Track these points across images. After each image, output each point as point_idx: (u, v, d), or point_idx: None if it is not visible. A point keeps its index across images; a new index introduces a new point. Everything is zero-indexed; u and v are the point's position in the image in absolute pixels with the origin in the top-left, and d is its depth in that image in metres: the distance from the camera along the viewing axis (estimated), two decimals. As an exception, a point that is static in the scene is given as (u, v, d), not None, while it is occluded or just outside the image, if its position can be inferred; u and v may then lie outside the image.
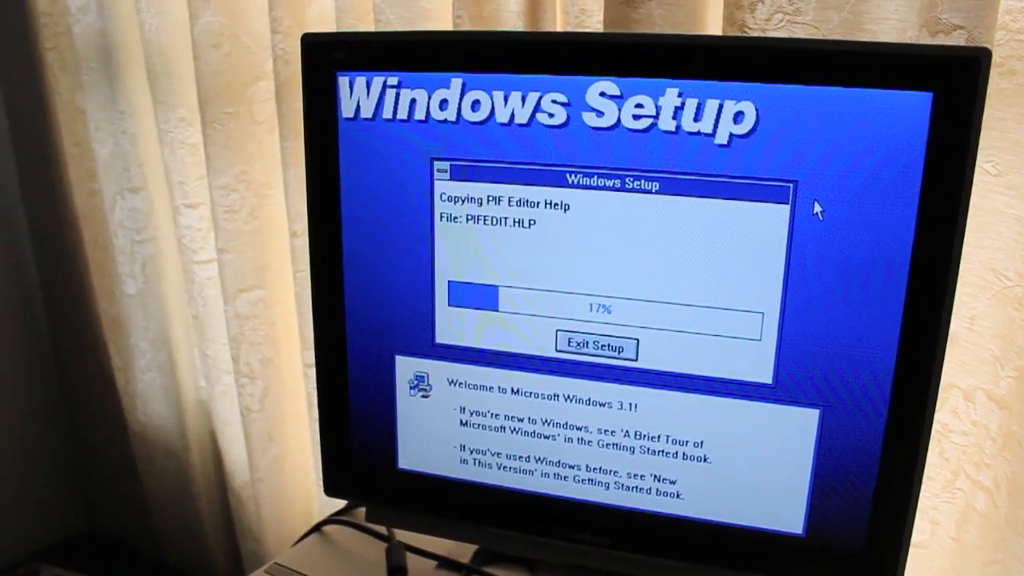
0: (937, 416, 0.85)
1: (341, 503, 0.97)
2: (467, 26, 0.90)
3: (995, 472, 0.82)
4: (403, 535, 0.87)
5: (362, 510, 0.94)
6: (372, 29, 1.00)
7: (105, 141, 1.43)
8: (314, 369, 1.20)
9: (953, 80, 0.56)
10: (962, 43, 0.68)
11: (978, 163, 0.76)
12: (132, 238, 1.47)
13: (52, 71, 1.43)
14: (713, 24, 0.82)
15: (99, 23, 1.35)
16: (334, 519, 0.95)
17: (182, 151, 1.32)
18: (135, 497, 1.74)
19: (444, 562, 0.85)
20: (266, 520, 1.40)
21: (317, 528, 0.95)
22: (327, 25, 1.10)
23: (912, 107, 0.57)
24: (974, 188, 0.77)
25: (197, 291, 1.38)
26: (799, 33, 0.74)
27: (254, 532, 1.47)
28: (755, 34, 0.75)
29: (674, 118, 0.61)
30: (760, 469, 0.67)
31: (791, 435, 0.65)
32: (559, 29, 0.91)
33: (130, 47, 1.35)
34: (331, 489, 0.80)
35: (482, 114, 0.65)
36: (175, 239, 1.40)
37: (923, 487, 0.87)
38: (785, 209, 0.60)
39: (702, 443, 0.67)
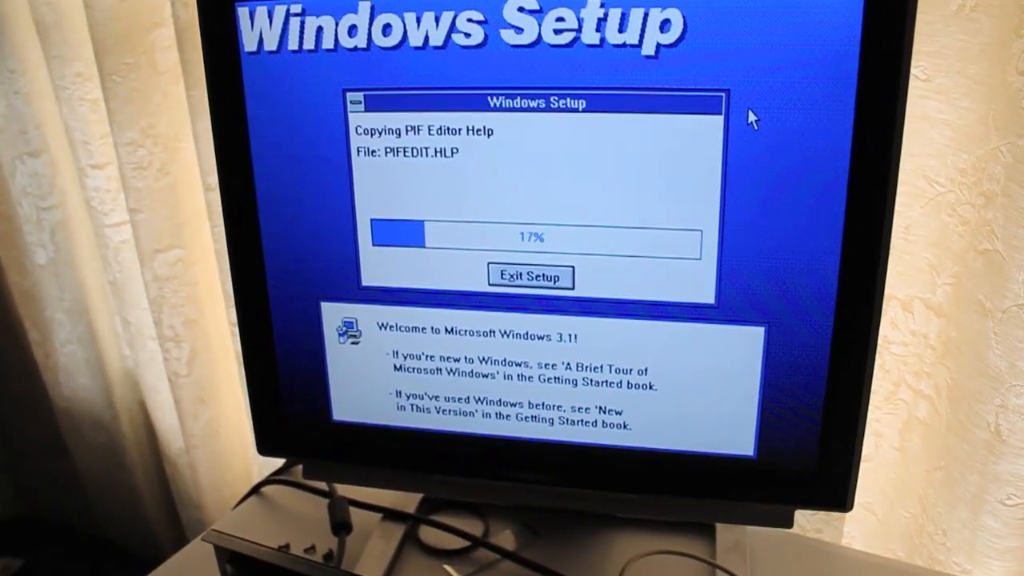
0: (877, 328, 0.85)
1: (280, 463, 0.93)
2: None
3: (936, 380, 0.82)
4: (345, 489, 0.84)
5: (301, 468, 0.91)
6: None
7: (-3, 103, 1.35)
8: (239, 325, 1.17)
9: (884, -24, 0.53)
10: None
11: (907, 68, 0.75)
12: (37, 205, 1.39)
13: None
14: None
15: (-22, -26, 1.26)
16: (272, 479, 0.92)
17: (82, 108, 1.24)
18: (67, 474, 1.68)
19: (389, 514, 0.82)
20: (204, 486, 1.36)
21: (255, 490, 0.92)
22: (226, -39, 1.03)
23: (843, 7, 0.54)
24: (905, 94, 0.76)
25: (112, 256, 1.32)
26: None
27: (193, 499, 1.43)
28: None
29: (598, 30, 0.57)
30: (707, 393, 0.65)
31: (737, 355, 0.63)
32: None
33: (14, -2, 1.27)
34: (265, 447, 0.76)
35: (394, 38, 0.61)
36: (84, 202, 1.34)
37: (866, 401, 0.87)
38: (719, 120, 0.58)
39: (646, 370, 0.65)
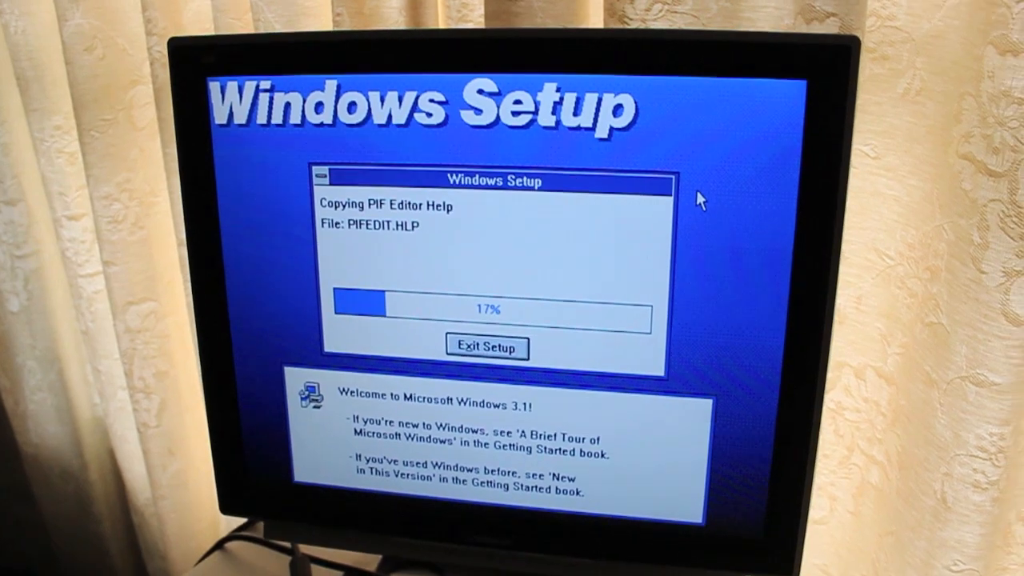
0: (830, 395, 0.87)
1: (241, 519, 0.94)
2: (347, 24, 0.88)
3: (887, 446, 0.84)
4: (308, 547, 0.85)
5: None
6: (251, 28, 0.97)
7: (-25, 153, 1.36)
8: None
9: (825, 68, 0.57)
10: (835, 30, 0.69)
11: (857, 146, 0.78)
12: (12, 253, 1.40)
13: (-90, 79, 1.35)
14: (595, 15, 0.81)
15: (-39, 28, 1.28)
16: (236, 535, 0.92)
17: (60, 160, 1.26)
18: (32, 522, 1.67)
19: (351, 572, 0.83)
20: (171, 537, 1.36)
21: (219, 545, 0.92)
22: (204, 25, 1.06)
23: (787, 95, 0.57)
24: (855, 171, 0.79)
25: (85, 306, 1.32)
26: (679, 23, 0.74)
27: (159, 550, 1.43)
28: (635, 25, 0.75)
29: (553, 113, 0.60)
30: (657, 461, 0.67)
31: (686, 425, 0.65)
32: (441, 24, 0.90)
33: (-4, 52, 1.29)
34: (227, 507, 0.77)
35: (359, 116, 0.63)
36: (59, 252, 1.34)
37: (820, 464, 0.89)
38: (669, 201, 0.60)
39: (598, 439, 0.67)
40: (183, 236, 1.11)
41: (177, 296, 1.22)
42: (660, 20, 0.74)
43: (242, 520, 0.95)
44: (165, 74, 1.04)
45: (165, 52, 1.02)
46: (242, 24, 0.99)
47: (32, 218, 1.37)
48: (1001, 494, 0.74)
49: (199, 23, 1.06)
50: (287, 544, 0.87)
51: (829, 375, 0.85)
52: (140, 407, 1.27)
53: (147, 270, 1.21)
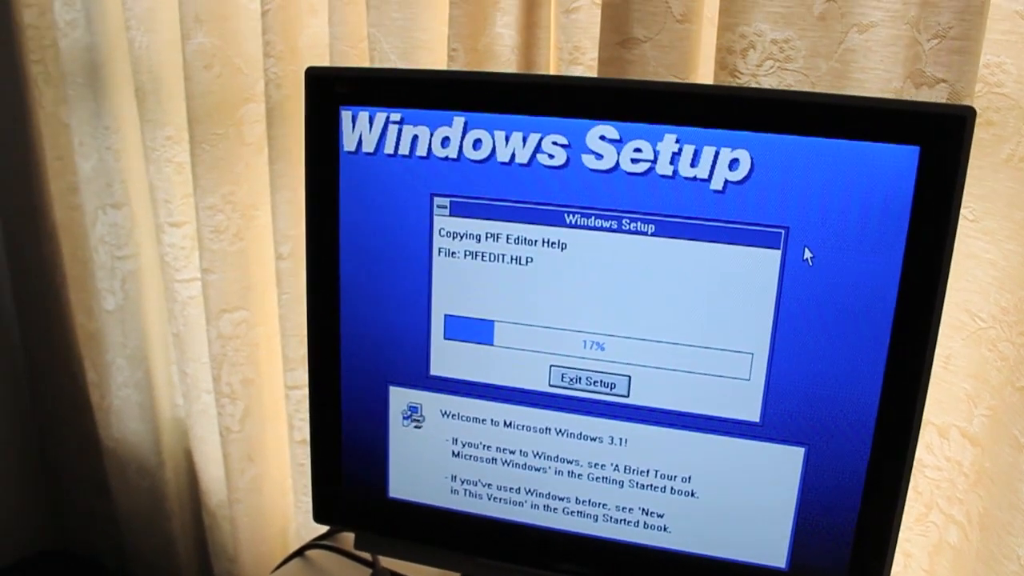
0: (912, 451, 0.87)
1: (318, 526, 0.97)
2: (462, 59, 0.92)
3: (967, 507, 0.84)
4: (388, 561, 0.88)
5: (344, 535, 0.94)
6: (365, 57, 1.02)
7: (89, 156, 1.43)
8: (296, 391, 1.22)
9: (939, 136, 0.58)
10: (944, 96, 0.71)
11: (957, 209, 0.79)
12: (113, 254, 1.47)
13: (36, 84, 1.43)
14: (705, 67, 0.84)
15: (87, 38, 1.35)
16: (318, 543, 0.95)
17: (168, 169, 1.32)
18: (106, 514, 1.72)
19: (428, 589, 0.86)
20: (242, 541, 1.39)
21: (300, 552, 0.95)
22: (320, 50, 1.11)
23: (900, 160, 0.59)
24: (952, 233, 0.80)
25: (179, 309, 1.38)
26: (789, 79, 0.76)
27: (229, 552, 1.47)
28: (745, 79, 0.77)
29: (671, 163, 0.63)
30: (746, 504, 0.68)
31: (777, 472, 0.67)
32: (552, 65, 0.93)
33: (117, 63, 1.35)
34: (320, 516, 0.80)
35: (483, 153, 0.66)
36: (157, 256, 1.40)
37: (897, 520, 0.89)
38: (776, 254, 0.62)
39: (690, 478, 0.69)
40: (280, 250, 1.16)
41: (270, 307, 1.27)
42: (770, 76, 0.77)
43: (317, 530, 0.98)
44: (279, 94, 1.10)
45: (280, 74, 1.08)
46: (356, 53, 1.04)
47: (135, 222, 1.43)
48: (1085, 565, 0.74)
49: (315, 49, 1.11)
50: (367, 556, 0.90)
51: (913, 432, 0.86)
52: (224, 411, 1.31)
53: (243, 280, 1.26)
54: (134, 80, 1.28)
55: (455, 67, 0.92)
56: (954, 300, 0.82)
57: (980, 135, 0.77)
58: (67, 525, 1.84)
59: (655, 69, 0.81)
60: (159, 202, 1.33)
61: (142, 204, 1.42)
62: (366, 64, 1.02)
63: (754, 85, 0.77)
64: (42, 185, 1.50)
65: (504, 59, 0.92)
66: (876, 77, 0.75)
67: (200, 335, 1.35)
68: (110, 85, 1.36)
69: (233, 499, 1.37)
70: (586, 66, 0.89)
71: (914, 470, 0.87)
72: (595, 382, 0.68)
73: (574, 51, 0.89)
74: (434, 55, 0.97)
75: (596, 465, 0.71)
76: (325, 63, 1.08)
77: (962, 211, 0.80)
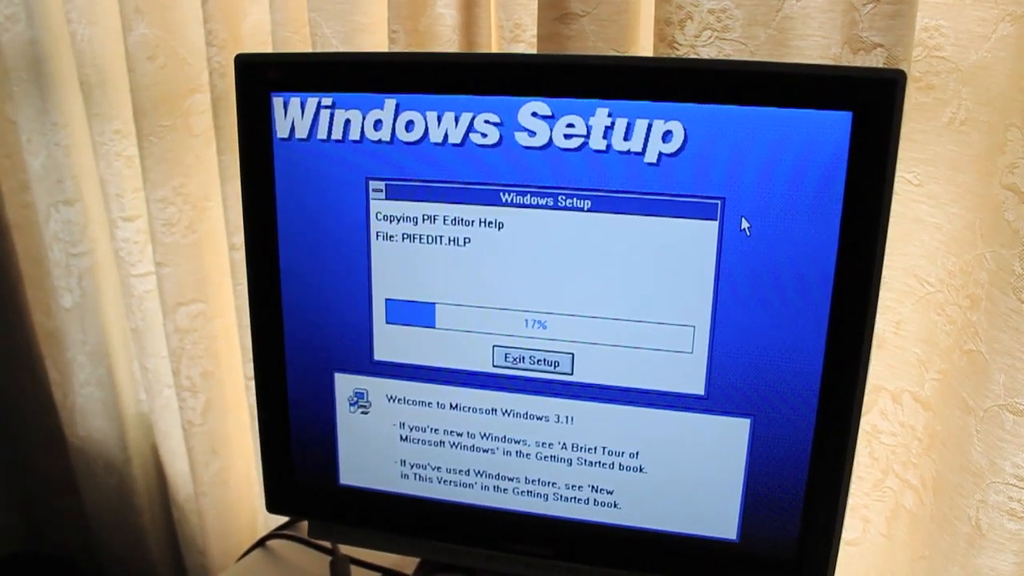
0: (867, 418, 0.88)
1: (284, 517, 0.97)
2: (402, 41, 0.91)
3: (922, 471, 0.84)
4: (348, 548, 0.88)
5: (307, 523, 0.94)
6: (308, 43, 1.00)
7: (38, 153, 1.41)
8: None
9: (872, 100, 0.58)
10: (881, 60, 0.71)
11: (900, 173, 0.79)
12: (68, 251, 1.45)
13: (-21, 81, 1.41)
14: (644, 39, 0.83)
15: (28, 32, 1.33)
16: (278, 533, 0.95)
17: (118, 163, 1.30)
18: (75, 513, 1.71)
19: (389, 574, 0.85)
20: (210, 533, 1.39)
21: (261, 543, 0.95)
22: (262, 38, 1.09)
23: (833, 126, 0.59)
24: (897, 197, 0.80)
25: (136, 304, 1.36)
26: (727, 50, 0.76)
27: (198, 545, 1.46)
28: (684, 50, 0.76)
29: (604, 137, 0.62)
30: (694, 477, 0.68)
31: (723, 444, 0.67)
32: (494, 44, 0.92)
33: (61, 57, 1.33)
34: (273, 505, 0.80)
35: (416, 134, 0.65)
36: (112, 252, 1.39)
37: (855, 486, 0.90)
38: (714, 225, 0.62)
39: (637, 454, 0.69)
40: (234, 240, 1.15)
41: (226, 299, 1.26)
42: (709, 46, 0.76)
43: (282, 520, 0.98)
44: (223, 84, 1.08)
45: (224, 63, 1.07)
46: (299, 38, 1.02)
47: (88, 218, 1.41)
48: (1036, 523, 0.75)
49: (257, 36, 1.09)
50: (328, 544, 0.89)
51: (866, 399, 0.86)
52: (186, 405, 1.30)
53: (197, 272, 1.24)
54: (79, 74, 1.26)
55: (396, 49, 0.91)
56: (902, 265, 0.83)
57: (921, 99, 0.77)
58: (36, 526, 1.83)
59: (595, 44, 0.80)
60: (111, 197, 1.32)
61: (95, 200, 1.40)
62: (309, 50, 1.01)
63: (692, 56, 0.76)
64: (-8, 185, 1.48)
65: (445, 39, 0.91)
66: (814, 44, 0.74)
67: (158, 329, 1.34)
68: (55, 80, 1.34)
69: (199, 492, 1.36)
70: (528, 43, 0.88)
71: (870, 436, 0.88)
72: (538, 361, 0.68)
73: (515, 28, 0.88)
74: (376, 38, 0.96)
75: (544, 444, 0.70)
76: (268, 50, 1.06)
77: (906, 176, 0.80)
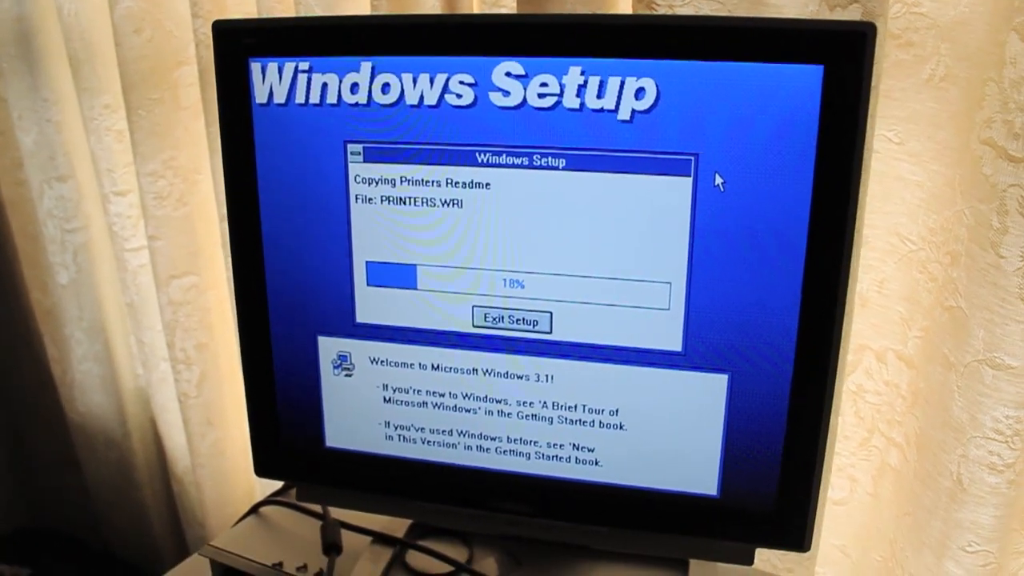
0: (852, 377, 0.88)
1: (280, 484, 0.98)
2: (385, 6, 0.91)
3: (906, 429, 0.85)
4: (338, 512, 0.88)
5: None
6: (292, 12, 1.01)
7: (29, 130, 1.41)
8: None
9: (842, 54, 0.58)
10: (858, 17, 0.71)
11: (880, 131, 0.80)
12: (62, 227, 1.46)
13: (-32, 59, 1.41)
14: (624, 0, 0.83)
15: (16, 8, 1.33)
16: (270, 500, 0.96)
17: (108, 138, 1.30)
18: (77, 488, 1.73)
19: (379, 537, 0.86)
20: (208, 504, 1.40)
21: (254, 510, 0.95)
22: (247, 9, 1.09)
23: (804, 80, 0.59)
24: (878, 156, 0.80)
25: (130, 279, 1.37)
26: (705, 7, 0.76)
27: (198, 517, 1.48)
28: (663, 9, 0.76)
29: (578, 96, 0.62)
30: (674, 434, 0.69)
31: (702, 400, 0.67)
32: (476, 9, 0.92)
33: (50, 33, 1.33)
34: (262, 470, 0.81)
35: (392, 96, 0.66)
36: (106, 227, 1.39)
37: (841, 446, 0.91)
38: (688, 181, 0.62)
39: (617, 411, 0.69)
40: (224, 212, 1.15)
41: (218, 270, 1.26)
42: (687, 6, 0.76)
43: (277, 487, 0.99)
44: (210, 56, 1.08)
45: (210, 34, 1.06)
46: (283, 7, 1.02)
47: (81, 194, 1.42)
48: (1017, 476, 0.75)
49: (243, 6, 1.09)
50: (319, 509, 0.90)
51: (851, 358, 0.87)
52: (181, 378, 1.31)
53: (190, 245, 1.25)
54: (67, 49, 1.26)
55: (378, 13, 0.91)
56: (884, 224, 0.83)
57: (900, 56, 0.77)
58: (39, 501, 1.85)
59: (573, 5, 0.80)
60: (102, 172, 1.32)
61: (87, 175, 1.41)
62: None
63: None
64: (-15, 163, 1.48)
65: (428, 5, 0.91)
66: (792, 1, 0.74)
67: (153, 303, 1.35)
68: (44, 56, 1.34)
69: (197, 464, 1.37)
70: (508, 7, 0.88)
71: (855, 396, 0.89)
72: (517, 320, 0.69)
73: (496, -8, 0.88)
74: (358, 4, 0.96)
75: (524, 403, 0.71)
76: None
77: (887, 134, 0.80)
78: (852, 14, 0.71)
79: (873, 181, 0.80)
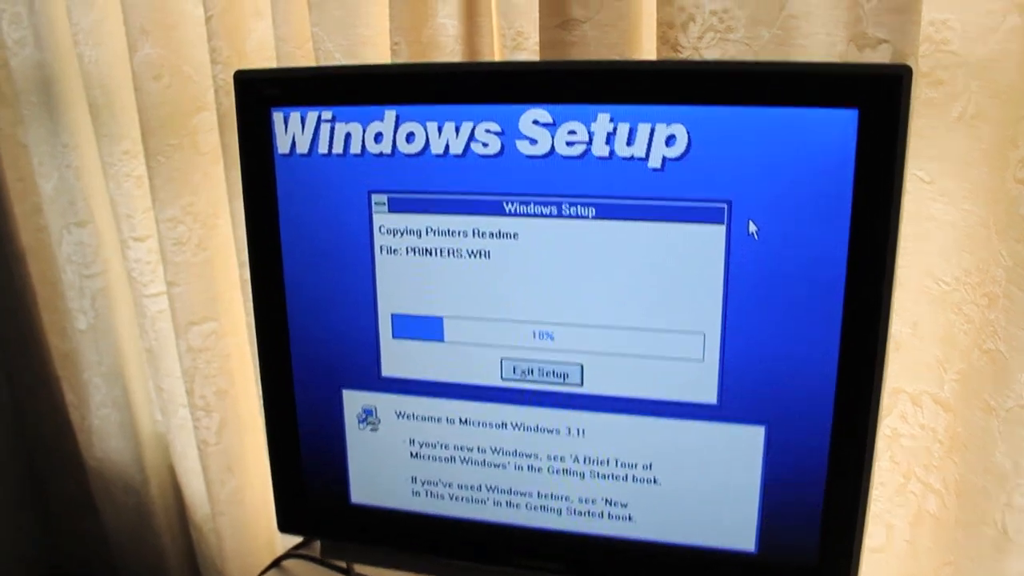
0: (886, 421, 0.86)
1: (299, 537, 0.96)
2: (405, 52, 0.90)
3: (944, 475, 0.83)
4: (362, 567, 0.87)
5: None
6: (311, 57, 1.00)
7: (49, 175, 1.41)
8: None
9: (877, 96, 0.57)
10: (888, 56, 0.69)
11: (912, 171, 0.78)
12: (81, 273, 1.45)
13: (-10, 105, 1.41)
14: (647, 43, 0.82)
15: (37, 55, 1.33)
16: (293, 553, 0.94)
17: (127, 184, 1.30)
18: (95, 533, 1.71)
19: (403, 592, 0.84)
20: (228, 553, 1.38)
21: (276, 563, 0.94)
22: (267, 53, 1.09)
23: (839, 124, 0.57)
24: (909, 195, 0.79)
25: (149, 324, 1.36)
26: (731, 50, 0.75)
27: (216, 565, 1.46)
28: (688, 53, 0.75)
29: (607, 143, 0.61)
30: (709, 488, 0.67)
31: (738, 453, 0.65)
32: (496, 52, 0.91)
33: (70, 79, 1.33)
34: (285, 525, 0.79)
35: (417, 146, 0.65)
36: (124, 272, 1.39)
37: (877, 492, 0.88)
38: (721, 230, 0.61)
39: (651, 465, 0.68)
40: (244, 258, 1.15)
41: (237, 316, 1.25)
42: (712, 48, 0.75)
43: (298, 539, 0.97)
44: (229, 101, 1.08)
45: (229, 80, 1.06)
46: (303, 53, 1.02)
47: (100, 239, 1.41)
48: (1064, 526, 0.73)
49: (261, 52, 1.09)
50: (342, 564, 0.88)
51: (885, 401, 0.85)
52: (200, 425, 1.30)
53: (209, 291, 1.24)
54: (87, 95, 1.26)
55: (399, 61, 0.91)
56: (917, 265, 0.81)
57: (930, 94, 0.76)
58: (57, 547, 1.83)
59: (597, 49, 0.79)
60: (121, 217, 1.32)
61: (106, 220, 1.40)
62: (312, 64, 1.00)
63: (696, 58, 0.75)
64: (5, 208, 1.48)
65: (448, 50, 0.90)
66: (819, 42, 0.73)
67: (172, 349, 1.33)
68: (64, 102, 1.34)
69: (216, 512, 1.35)
70: (530, 51, 0.87)
71: (890, 440, 0.87)
72: (547, 373, 0.67)
73: (517, 36, 0.87)
74: (378, 50, 0.96)
75: (555, 458, 0.69)
76: (273, 66, 1.06)
77: (918, 173, 0.79)
78: (881, 54, 0.70)
79: (904, 221, 0.78)
